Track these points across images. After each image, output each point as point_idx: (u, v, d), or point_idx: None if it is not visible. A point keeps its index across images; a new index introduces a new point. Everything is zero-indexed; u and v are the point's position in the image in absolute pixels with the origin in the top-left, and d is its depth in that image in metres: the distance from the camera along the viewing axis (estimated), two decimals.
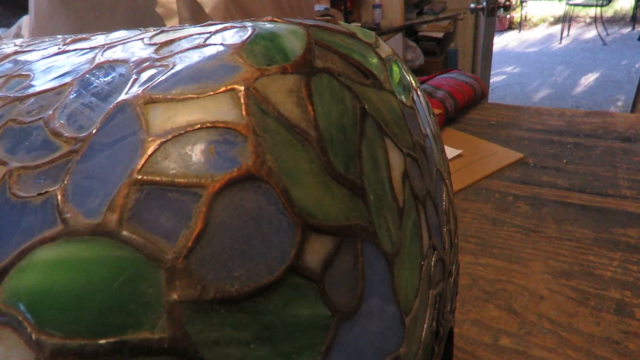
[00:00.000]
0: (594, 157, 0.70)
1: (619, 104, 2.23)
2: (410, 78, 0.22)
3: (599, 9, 3.88)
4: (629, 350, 0.42)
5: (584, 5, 3.99)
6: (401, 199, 0.15)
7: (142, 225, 0.09)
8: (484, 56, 1.47)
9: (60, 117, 0.12)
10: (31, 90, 0.14)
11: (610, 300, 0.47)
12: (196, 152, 0.10)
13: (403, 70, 0.21)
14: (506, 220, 0.61)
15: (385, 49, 0.20)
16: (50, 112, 0.12)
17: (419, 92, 0.23)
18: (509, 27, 4.78)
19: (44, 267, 0.09)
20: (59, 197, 0.10)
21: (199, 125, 0.10)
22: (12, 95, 0.13)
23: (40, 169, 0.11)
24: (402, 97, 0.19)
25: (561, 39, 3.73)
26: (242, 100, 0.11)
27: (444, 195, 0.22)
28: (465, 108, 0.88)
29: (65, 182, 0.10)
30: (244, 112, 0.11)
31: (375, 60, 0.18)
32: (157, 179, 0.10)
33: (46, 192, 0.10)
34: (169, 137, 0.10)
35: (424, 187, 0.18)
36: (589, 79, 2.53)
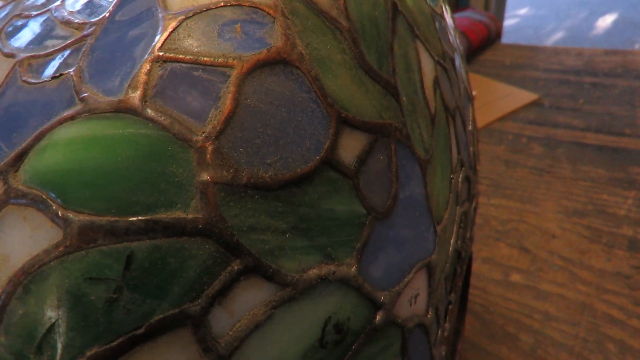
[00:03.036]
0: (612, 97, 0.68)
1: (637, 46, 2.14)
2: None
3: None
4: (639, 283, 0.42)
5: None
6: (432, 106, 0.15)
7: (167, 104, 0.09)
8: None
9: (69, 7, 0.11)
10: None
11: (622, 237, 0.47)
12: (221, 30, 0.09)
13: None
14: (519, 161, 0.60)
15: None
16: (58, 3, 0.11)
17: (445, 5, 0.21)
18: None
19: (66, 146, 0.08)
20: (75, 78, 0.09)
21: (222, 3, 0.09)
22: None
23: (52, 56, 0.10)
24: (431, 3, 0.18)
25: None
26: None
27: (470, 114, 0.21)
28: (479, 49, 0.85)
29: (81, 64, 0.09)
30: None
31: None
32: (181, 56, 0.09)
33: (61, 74, 0.09)
34: (191, 14, 0.09)
35: (454, 99, 0.17)
36: (607, 20, 2.43)
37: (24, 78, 0.10)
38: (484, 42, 0.84)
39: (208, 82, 0.09)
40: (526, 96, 0.71)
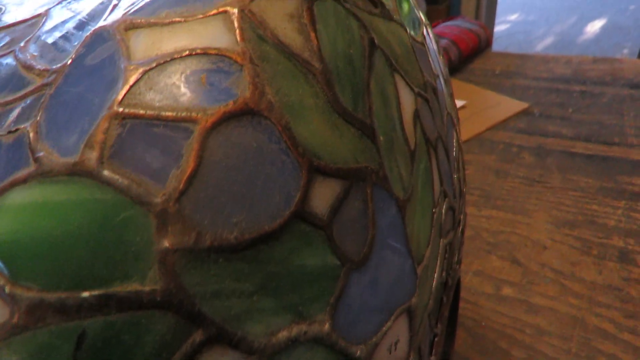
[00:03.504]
0: (601, 105, 0.68)
1: (625, 51, 2.16)
2: (419, 13, 0.20)
3: None
4: (630, 296, 0.42)
5: None
6: (412, 142, 0.14)
7: (125, 164, 0.08)
8: (488, 3, 1.41)
9: (32, 49, 0.10)
10: (1, 25, 0.13)
11: (613, 248, 0.47)
12: (185, 81, 0.09)
13: (412, 4, 0.20)
14: (510, 171, 0.60)
15: None
16: (22, 45, 0.11)
17: (428, 29, 0.21)
18: None
19: (16, 212, 0.08)
20: (31, 134, 0.09)
21: (187, 52, 0.09)
22: None
23: (10, 105, 0.10)
24: (412, 31, 0.17)
25: None
26: (237, 24, 0.09)
27: (454, 141, 0.20)
28: (470, 57, 0.85)
29: (38, 118, 0.09)
30: (238, 38, 0.09)
31: None
32: (142, 112, 0.09)
33: (17, 129, 0.09)
34: (154, 64, 0.09)
35: (436, 130, 0.17)
36: (595, 26, 2.45)
37: None
38: (474, 50, 0.84)
39: (169, 139, 0.08)
40: (516, 105, 0.71)
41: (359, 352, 0.10)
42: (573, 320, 0.41)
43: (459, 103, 0.70)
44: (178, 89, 0.09)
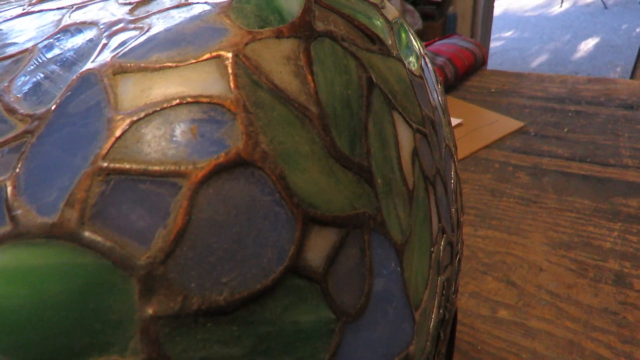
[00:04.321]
0: (596, 126, 0.68)
1: (618, 69, 2.19)
2: (417, 44, 0.20)
3: None
4: (627, 321, 0.41)
5: None
6: (411, 181, 0.14)
7: (108, 225, 0.08)
8: (484, 21, 1.43)
9: (16, 90, 0.10)
10: None
11: (609, 271, 0.46)
12: (175, 133, 0.08)
13: (410, 34, 0.19)
14: (505, 190, 0.60)
15: (391, 11, 0.18)
16: (5, 84, 0.10)
17: (426, 59, 0.21)
18: None
19: None
20: (9, 188, 0.08)
21: (178, 101, 0.09)
22: None
23: None
24: (411, 65, 0.17)
25: (562, 2, 3.63)
26: (230, 70, 0.09)
27: (452, 172, 0.20)
28: (465, 75, 0.86)
29: (18, 170, 0.08)
30: (232, 84, 0.09)
31: (381, 23, 0.16)
32: (127, 166, 0.08)
33: None
34: (142, 115, 0.08)
35: (434, 165, 0.16)
36: (589, 44, 2.48)
37: None
38: (470, 68, 0.85)
39: (156, 195, 0.08)
40: (512, 124, 0.71)
41: None
42: (570, 345, 0.41)
43: (454, 121, 0.70)
44: (167, 142, 0.08)
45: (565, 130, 0.68)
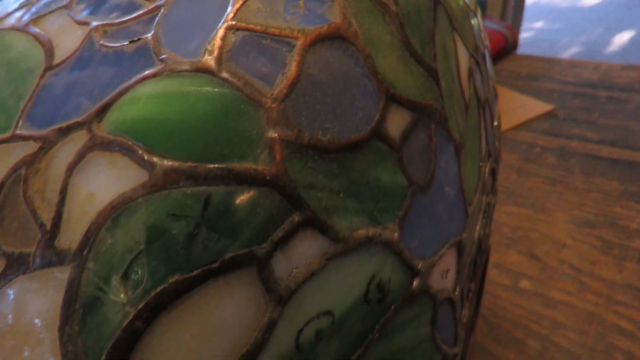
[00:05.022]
0: (628, 112, 0.68)
1: None
2: None
3: None
4: None
5: None
6: (467, 95, 0.15)
7: (240, 67, 0.10)
8: (515, 8, 1.41)
9: None
10: None
11: (634, 250, 0.47)
12: (286, 5, 0.10)
13: None
14: (532, 170, 0.61)
15: None
16: None
17: (478, 8, 0.22)
18: None
19: (149, 100, 0.09)
20: (153, 43, 0.10)
21: None
22: None
23: (125, 24, 0.11)
24: (467, 0, 0.19)
25: None
26: None
27: (495, 111, 0.22)
28: (496, 58, 0.86)
29: (156, 31, 0.10)
30: None
31: None
32: (252, 26, 0.10)
33: (139, 39, 0.10)
34: None
35: (484, 92, 0.18)
36: (623, 37, 2.43)
37: (100, 42, 0.11)
38: (500, 51, 0.85)
39: (276, 50, 0.10)
40: (541, 107, 0.72)
41: (420, 266, 0.12)
42: (590, 316, 0.42)
43: None
44: (280, 11, 0.10)
45: (596, 115, 0.69)
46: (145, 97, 0.09)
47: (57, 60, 0.11)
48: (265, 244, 0.09)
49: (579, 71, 0.83)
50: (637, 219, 0.51)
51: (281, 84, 0.10)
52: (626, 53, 2.27)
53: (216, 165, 0.09)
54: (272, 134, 0.09)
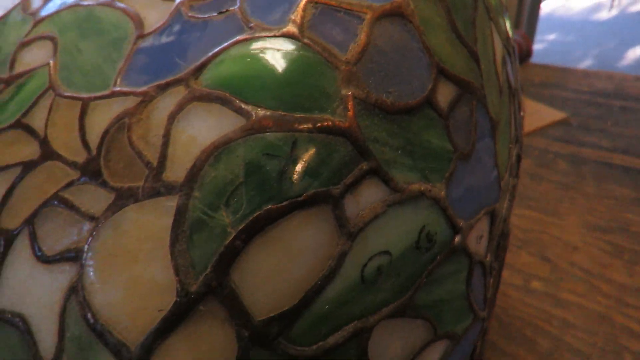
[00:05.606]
0: None
1: None
2: None
3: None
4: None
5: None
6: (501, 80, 0.17)
7: (319, 35, 0.11)
8: (529, 18, 1.43)
9: None
10: None
11: None
12: None
13: None
14: (545, 175, 0.62)
15: None
16: None
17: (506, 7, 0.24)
18: None
19: (242, 59, 0.11)
20: (240, 14, 0.12)
21: None
22: None
23: (205, 1, 0.13)
24: None
25: (611, 7, 3.58)
26: None
27: (522, 101, 0.23)
28: None
29: (240, 4, 0.12)
30: None
31: None
32: (327, 1, 0.12)
33: (227, 10, 0.12)
34: None
35: (514, 81, 0.20)
36: (637, 51, 2.45)
37: (189, 14, 0.12)
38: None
39: (348, 22, 0.12)
40: (554, 114, 0.73)
41: (461, 224, 0.13)
42: (600, 317, 0.43)
43: None
44: None
45: (609, 123, 0.70)
46: (240, 57, 0.11)
47: (147, 30, 0.13)
48: (339, 186, 0.11)
49: (592, 81, 0.84)
50: None
51: (353, 50, 0.11)
52: (639, 67, 2.28)
53: (301, 115, 0.10)
54: (346, 91, 0.11)
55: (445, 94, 0.13)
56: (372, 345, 0.11)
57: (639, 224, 0.52)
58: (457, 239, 0.13)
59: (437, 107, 0.12)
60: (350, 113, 0.11)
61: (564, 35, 2.89)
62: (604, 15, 3.44)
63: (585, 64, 2.41)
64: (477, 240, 0.14)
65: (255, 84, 0.11)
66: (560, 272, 0.48)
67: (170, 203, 0.10)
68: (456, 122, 0.13)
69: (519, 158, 0.21)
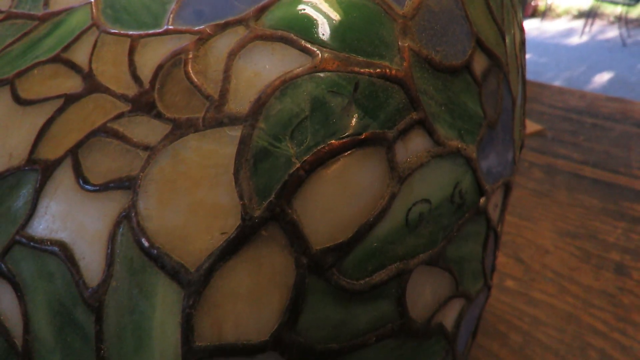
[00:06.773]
0: (610, 138, 0.74)
1: None
2: None
3: (624, 8, 3.90)
4: (622, 303, 0.46)
5: (611, 2, 3.99)
6: (519, 64, 0.18)
7: None
8: None
9: None
10: None
11: (610, 262, 0.51)
12: None
13: None
14: (520, 183, 0.64)
15: None
16: None
17: None
18: (533, 14, 4.76)
19: (308, 3, 0.11)
20: None
21: None
22: None
23: None
24: None
25: (582, 33, 3.76)
26: None
27: (525, 96, 0.24)
28: None
29: None
30: None
31: None
32: None
33: None
34: None
35: (525, 71, 0.21)
36: (603, 77, 2.58)
37: None
38: None
39: None
40: (531, 126, 0.76)
41: (487, 187, 0.14)
42: (568, 316, 0.45)
43: None
44: None
45: (581, 138, 0.74)
46: (305, 1, 0.11)
47: None
48: (393, 130, 0.11)
49: (566, 97, 0.89)
50: (614, 233, 0.55)
51: (409, 6, 0.12)
52: (605, 92, 2.40)
53: (363, 59, 0.11)
54: (403, 43, 0.12)
55: (480, 63, 0.14)
56: (410, 288, 0.11)
57: (606, 232, 0.55)
58: (482, 200, 0.14)
59: (473, 74, 0.13)
60: (405, 63, 0.11)
61: (537, 57, 3.01)
62: (575, 40, 3.60)
63: (556, 85, 2.52)
64: (494, 207, 0.15)
65: (319, 27, 0.11)
66: (532, 273, 0.50)
67: (234, 133, 0.10)
68: (487, 91, 0.14)
69: (520, 147, 0.22)
